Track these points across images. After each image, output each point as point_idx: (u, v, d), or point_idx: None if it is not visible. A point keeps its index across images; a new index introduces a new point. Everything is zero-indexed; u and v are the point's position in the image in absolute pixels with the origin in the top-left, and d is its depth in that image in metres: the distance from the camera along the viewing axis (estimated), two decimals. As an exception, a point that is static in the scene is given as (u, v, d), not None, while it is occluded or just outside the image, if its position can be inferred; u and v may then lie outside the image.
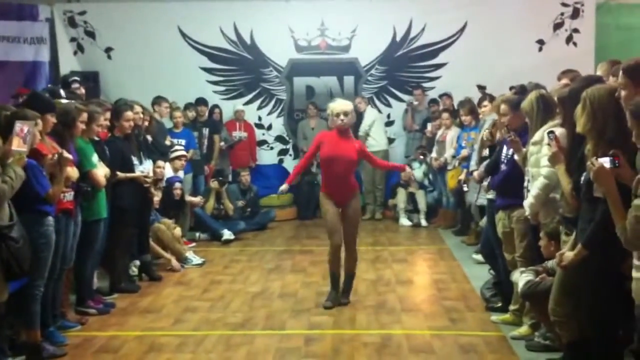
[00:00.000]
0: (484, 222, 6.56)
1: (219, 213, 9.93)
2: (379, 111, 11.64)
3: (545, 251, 4.91)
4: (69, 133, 5.61)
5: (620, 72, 3.63)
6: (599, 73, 5.01)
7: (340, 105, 6.46)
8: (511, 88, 8.53)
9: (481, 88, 10.01)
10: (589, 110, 3.68)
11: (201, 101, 11.06)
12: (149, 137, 7.95)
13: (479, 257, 7.65)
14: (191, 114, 10.57)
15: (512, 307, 5.67)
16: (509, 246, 5.55)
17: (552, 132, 4.44)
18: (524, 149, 5.11)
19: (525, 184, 5.07)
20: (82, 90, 8.00)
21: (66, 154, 5.19)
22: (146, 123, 7.77)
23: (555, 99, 4.67)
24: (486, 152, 6.42)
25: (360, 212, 6.75)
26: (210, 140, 10.80)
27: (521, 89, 5.76)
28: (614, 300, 3.70)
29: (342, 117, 6.34)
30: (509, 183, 5.42)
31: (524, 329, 5.36)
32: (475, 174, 6.33)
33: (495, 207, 5.73)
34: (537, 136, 4.85)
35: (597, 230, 3.55)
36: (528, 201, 4.95)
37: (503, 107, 5.63)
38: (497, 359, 5.02)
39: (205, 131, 10.74)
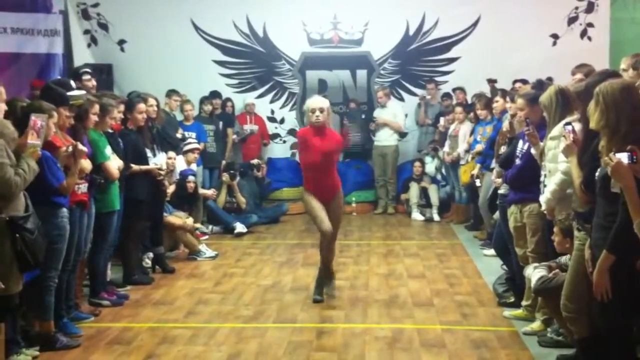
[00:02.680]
0: (497, 216, 6.54)
1: (232, 206, 9.95)
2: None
3: (560, 247, 4.88)
4: (82, 125, 5.64)
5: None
6: (622, 67, 4.94)
7: (315, 102, 6.38)
8: (514, 82, 8.53)
9: (491, 82, 9.96)
10: (601, 106, 3.64)
11: (215, 94, 11.08)
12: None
13: (490, 252, 7.67)
14: (207, 107, 10.58)
15: (524, 303, 5.65)
16: (521, 241, 5.53)
17: (569, 123, 4.42)
18: (541, 143, 5.08)
19: (542, 179, 5.04)
20: (94, 82, 7.98)
21: (81, 146, 5.22)
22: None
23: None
24: (503, 149, 6.39)
25: (342, 210, 6.56)
26: (224, 133, 10.83)
27: (538, 83, 5.73)
28: (627, 297, 3.68)
29: (317, 113, 6.26)
30: (522, 177, 5.40)
31: (536, 325, 5.34)
32: (495, 171, 6.33)
33: (507, 201, 5.71)
34: (555, 131, 4.81)
35: (619, 233, 3.49)
36: (544, 196, 4.91)
37: (520, 101, 5.61)
38: (509, 354, 5.01)
39: (221, 124, 10.77)
